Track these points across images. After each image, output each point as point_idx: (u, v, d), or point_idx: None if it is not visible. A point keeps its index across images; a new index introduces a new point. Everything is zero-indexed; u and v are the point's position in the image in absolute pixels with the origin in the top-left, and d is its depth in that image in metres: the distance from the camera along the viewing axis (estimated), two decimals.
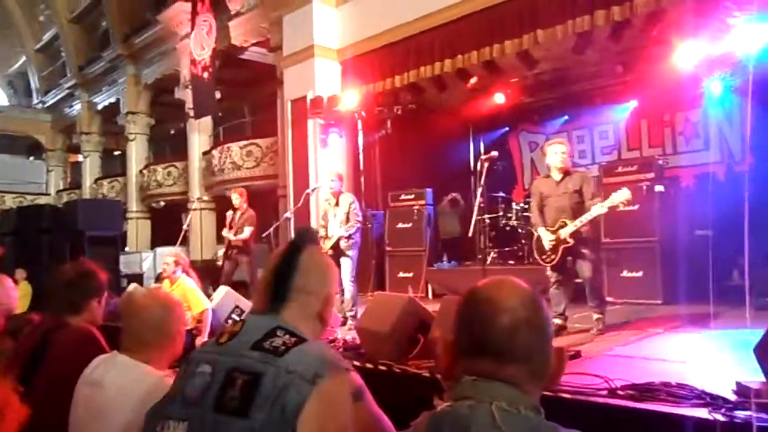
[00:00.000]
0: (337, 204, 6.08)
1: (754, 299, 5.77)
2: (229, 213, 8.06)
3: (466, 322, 1.12)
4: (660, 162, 7.16)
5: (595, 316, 4.80)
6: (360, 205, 6.50)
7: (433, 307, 4.30)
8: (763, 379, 2.73)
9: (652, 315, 5.68)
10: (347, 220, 5.94)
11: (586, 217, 4.64)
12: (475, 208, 5.19)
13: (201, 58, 13.02)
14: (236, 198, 8.00)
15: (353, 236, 5.93)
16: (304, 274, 1.46)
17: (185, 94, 14.14)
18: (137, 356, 1.82)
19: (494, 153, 5.27)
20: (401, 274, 8.87)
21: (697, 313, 5.45)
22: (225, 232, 7.89)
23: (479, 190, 5.14)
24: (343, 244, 5.87)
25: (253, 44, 12.94)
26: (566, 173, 4.90)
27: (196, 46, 13.17)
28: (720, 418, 2.42)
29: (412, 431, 1.07)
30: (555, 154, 4.90)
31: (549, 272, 4.97)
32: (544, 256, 4.96)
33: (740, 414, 2.42)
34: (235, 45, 12.99)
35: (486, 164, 5.03)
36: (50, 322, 2.31)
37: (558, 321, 4.74)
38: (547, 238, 4.85)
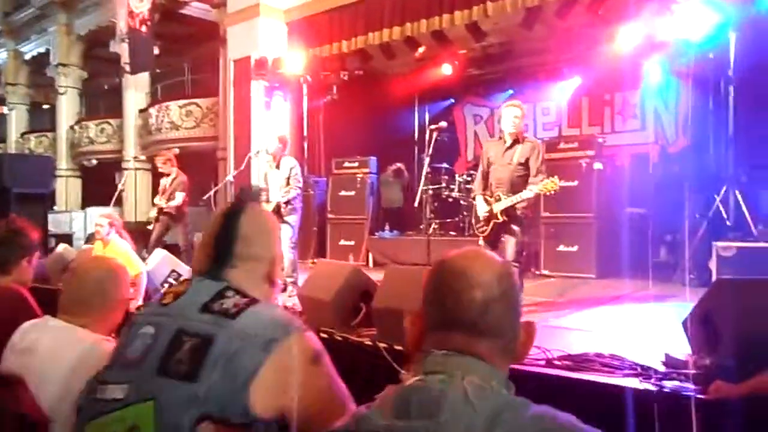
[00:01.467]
0: (278, 167, 5.95)
1: (680, 275, 6.07)
2: (163, 180, 7.75)
3: (437, 295, 1.08)
4: (600, 140, 7.35)
5: None
6: (302, 170, 6.39)
7: (373, 275, 4.30)
8: (690, 351, 2.87)
9: (586, 288, 5.87)
10: (287, 184, 5.83)
11: (517, 197, 4.52)
12: (423, 179, 5.15)
13: (139, 10, 12.41)
14: (162, 165, 7.68)
15: (292, 202, 5.81)
16: (247, 238, 1.40)
17: (121, 48, 13.49)
18: (74, 320, 1.72)
19: (443, 123, 5.24)
20: (342, 242, 8.85)
21: (628, 288, 5.66)
22: (156, 200, 7.63)
23: (426, 161, 5.10)
24: (282, 209, 5.77)
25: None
26: (516, 140, 4.72)
27: None
28: (650, 387, 2.52)
29: (378, 405, 1.02)
30: (508, 117, 4.71)
31: (480, 243, 4.79)
32: (478, 226, 4.84)
33: (669, 384, 2.53)
34: None
35: (434, 135, 5.00)
36: None
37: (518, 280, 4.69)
38: (482, 209, 4.71)
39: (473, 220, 4.98)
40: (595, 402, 2.59)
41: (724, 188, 5.86)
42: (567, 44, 8.74)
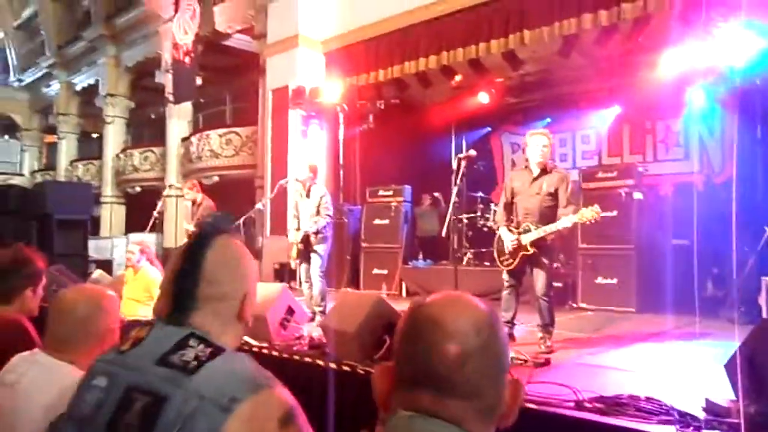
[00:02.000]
0: (308, 195, 5.93)
1: (728, 311, 5.77)
2: (192, 207, 7.79)
3: (407, 346, 0.94)
4: (640, 169, 7.12)
5: (539, 334, 4.37)
6: (337, 199, 6.36)
7: (406, 306, 4.18)
8: (733, 397, 2.66)
9: (625, 323, 5.63)
10: (317, 213, 5.80)
11: (551, 228, 4.31)
12: (450, 207, 5.02)
13: (183, 42, 12.79)
14: (187, 192, 7.72)
15: (322, 231, 5.76)
16: (213, 277, 1.24)
17: (166, 79, 13.87)
18: (60, 356, 1.65)
19: (472, 152, 5.12)
20: (376, 271, 8.76)
21: (670, 324, 5.39)
22: (185, 225, 7.67)
23: (455, 189, 4.98)
24: (312, 239, 5.73)
25: (238, 31, 12.74)
26: (544, 170, 4.55)
27: (178, 30, 12.93)
28: None
29: None
30: (536, 146, 4.52)
31: (505, 276, 4.64)
32: (502, 258, 4.61)
33: None
34: (219, 31, 12.77)
35: (464, 163, 4.89)
36: None
37: (504, 329, 4.46)
38: (508, 240, 4.50)
39: (495, 253, 4.74)
40: None
41: None
42: (606, 72, 8.57)
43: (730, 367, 2.75)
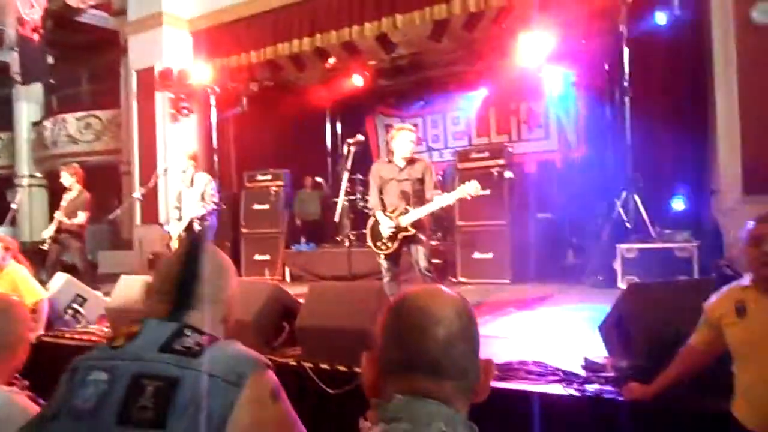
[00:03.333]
0: (191, 184, 5.75)
1: (588, 278, 6.36)
2: (66, 196, 7.25)
3: (397, 335, 1.02)
4: (509, 149, 7.58)
5: None
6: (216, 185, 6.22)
7: (292, 290, 4.21)
8: (607, 354, 2.99)
9: (503, 294, 6.02)
10: (202, 200, 5.64)
11: (431, 206, 4.54)
12: (342, 192, 5.10)
13: (30, 17, 11.68)
14: (67, 177, 7.14)
15: (207, 218, 5.63)
16: (210, 280, 1.34)
17: (11, 57, 12.65)
18: None
19: (360, 137, 5.20)
20: (258, 257, 8.65)
21: (542, 292, 5.86)
22: (57, 215, 7.12)
23: (345, 174, 5.07)
24: (196, 227, 5.57)
25: (92, 6, 11.87)
26: (410, 161, 4.76)
27: (24, 4, 11.78)
28: (574, 393, 2.61)
29: None
30: (404, 141, 4.72)
31: (382, 261, 4.75)
32: (379, 243, 4.71)
33: (590, 388, 2.63)
34: (71, 6, 11.81)
35: (353, 148, 4.98)
36: None
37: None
38: (386, 225, 4.62)
39: (370, 240, 4.84)
40: (523, 410, 2.64)
41: (624, 192, 6.19)
42: (474, 56, 9.00)
43: (602, 328, 3.08)
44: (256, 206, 8.82)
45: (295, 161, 9.65)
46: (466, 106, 10.24)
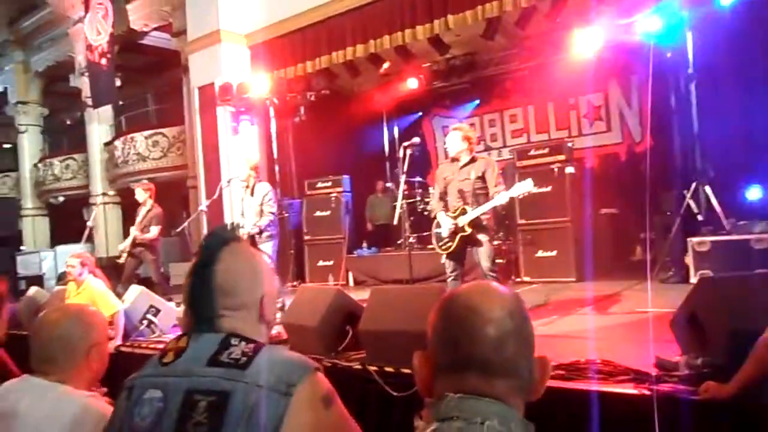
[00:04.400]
0: (252, 194, 5.89)
1: (658, 274, 6.14)
2: (140, 210, 7.59)
3: (447, 334, 1.02)
4: (569, 144, 7.42)
5: None
6: (276, 194, 6.34)
7: (355, 294, 4.25)
8: (680, 353, 2.88)
9: (568, 292, 5.90)
10: (261, 211, 5.78)
11: (487, 206, 4.53)
12: (399, 195, 5.12)
13: (98, 43, 12.25)
14: (141, 193, 7.49)
15: (267, 229, 5.75)
16: (227, 290, 1.30)
17: (82, 82, 13.29)
18: (55, 376, 1.63)
19: (416, 139, 5.21)
20: (321, 263, 8.78)
21: (608, 289, 5.69)
22: (132, 230, 7.45)
23: (402, 177, 5.10)
24: (257, 238, 5.70)
25: (154, 29, 12.33)
26: (472, 159, 4.75)
27: (91, 31, 12.36)
28: (645, 392, 2.52)
29: None
30: (455, 141, 4.74)
31: (445, 261, 4.80)
32: (440, 244, 4.77)
33: (664, 387, 2.53)
34: (134, 30, 12.32)
35: (409, 151, 5.00)
36: None
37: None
38: (446, 225, 4.67)
39: (433, 239, 4.90)
40: (591, 411, 2.57)
41: (694, 184, 5.96)
42: (529, 52, 8.86)
43: (675, 325, 2.97)
44: (318, 213, 8.97)
45: (354, 167, 9.75)
46: (524, 103, 10.09)
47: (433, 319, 1.06)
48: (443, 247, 4.75)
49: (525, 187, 4.46)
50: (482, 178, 4.70)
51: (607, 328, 4.17)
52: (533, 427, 0.98)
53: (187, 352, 1.25)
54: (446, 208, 4.79)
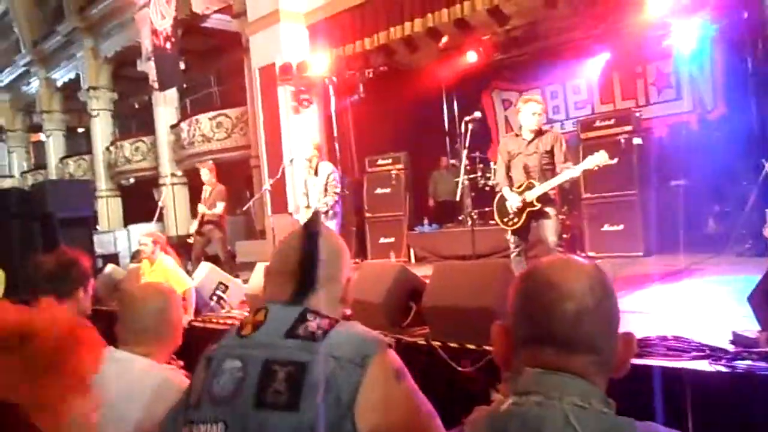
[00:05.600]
0: (315, 173, 5.98)
1: (732, 246, 5.89)
2: (205, 188, 7.88)
3: (526, 308, 1.01)
4: (637, 114, 7.16)
5: None
6: (338, 173, 6.41)
7: (417, 271, 4.26)
8: (759, 328, 2.76)
9: (636, 267, 5.73)
10: (325, 190, 5.86)
11: (556, 180, 4.46)
12: (462, 170, 5.09)
13: (162, 27, 12.59)
14: (205, 173, 7.80)
15: (333, 208, 5.84)
16: (327, 262, 1.38)
17: (148, 66, 13.69)
18: (136, 350, 1.73)
19: (477, 114, 5.17)
20: (382, 240, 8.84)
21: (679, 264, 5.51)
22: (200, 207, 7.74)
23: (464, 152, 5.05)
24: (322, 217, 5.78)
25: (216, 11, 12.55)
26: (539, 133, 4.67)
27: (156, 16, 12.71)
28: (722, 369, 2.43)
29: (471, 431, 0.97)
30: (532, 114, 4.62)
31: (509, 237, 4.76)
32: (506, 219, 4.71)
33: (741, 364, 2.44)
34: (197, 13, 12.56)
35: (470, 126, 4.94)
36: None
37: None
38: (513, 200, 4.61)
39: (497, 215, 4.85)
40: (664, 387, 2.51)
41: None
42: (593, 19, 8.53)
43: (753, 299, 2.85)
44: (379, 190, 9.00)
45: (414, 144, 9.72)
46: (588, 73, 9.75)
47: (513, 293, 1.05)
48: (509, 223, 4.71)
49: (598, 159, 4.36)
50: (550, 152, 4.61)
51: (679, 303, 4.05)
52: (614, 404, 0.96)
53: (265, 325, 1.30)
54: (510, 183, 4.72)
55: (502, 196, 4.76)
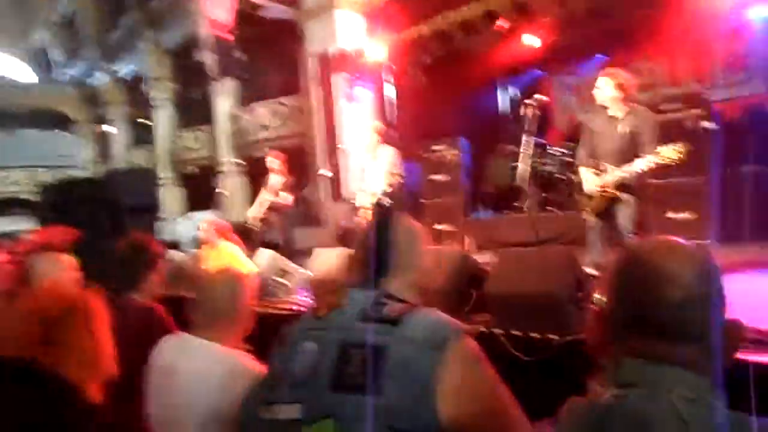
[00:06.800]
0: (375, 158, 5.97)
1: None
2: (271, 177, 7.96)
3: (627, 294, 0.96)
4: (705, 96, 6.84)
5: None
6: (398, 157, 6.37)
7: (474, 257, 4.18)
8: None
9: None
10: (387, 174, 5.85)
11: (632, 170, 4.27)
12: (522, 155, 4.99)
13: (219, 18, 12.78)
14: (273, 162, 7.87)
15: (395, 191, 5.83)
16: (402, 248, 1.38)
17: (207, 56, 13.95)
18: (209, 334, 1.74)
19: (539, 97, 5.03)
20: (438, 226, 8.76)
21: (757, 254, 5.24)
22: (265, 195, 7.84)
23: (524, 137, 4.94)
24: (385, 200, 5.78)
25: (272, 0, 12.64)
26: (628, 113, 4.43)
27: (213, 7, 12.90)
28: None
29: (567, 425, 0.92)
30: (606, 87, 4.40)
31: (587, 217, 4.63)
32: (584, 200, 4.64)
33: None
34: (253, 2, 12.70)
35: (531, 110, 4.82)
36: (112, 301, 2.24)
37: (595, 272, 4.24)
38: (592, 182, 4.49)
39: (576, 195, 4.75)
40: (738, 380, 2.38)
41: None
42: None
43: None
44: (435, 176, 8.92)
45: (472, 129, 9.58)
46: (654, 55, 9.38)
47: (612, 277, 0.99)
48: (585, 204, 4.57)
49: (672, 153, 4.13)
50: (636, 133, 4.37)
51: (757, 293, 3.84)
52: (724, 396, 0.89)
53: (341, 308, 1.30)
54: (591, 164, 4.57)
55: (580, 176, 4.65)
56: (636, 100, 4.61)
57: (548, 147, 8.83)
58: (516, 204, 8.50)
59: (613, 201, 4.46)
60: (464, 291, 3.76)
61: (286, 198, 7.61)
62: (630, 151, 4.38)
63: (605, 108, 4.54)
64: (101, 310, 1.46)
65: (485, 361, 1.25)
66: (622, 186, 4.39)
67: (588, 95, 5.25)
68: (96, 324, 1.44)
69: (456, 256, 3.85)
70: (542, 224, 5.76)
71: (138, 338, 1.88)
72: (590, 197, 4.56)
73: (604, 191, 4.44)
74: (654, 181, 6.63)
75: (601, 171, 4.46)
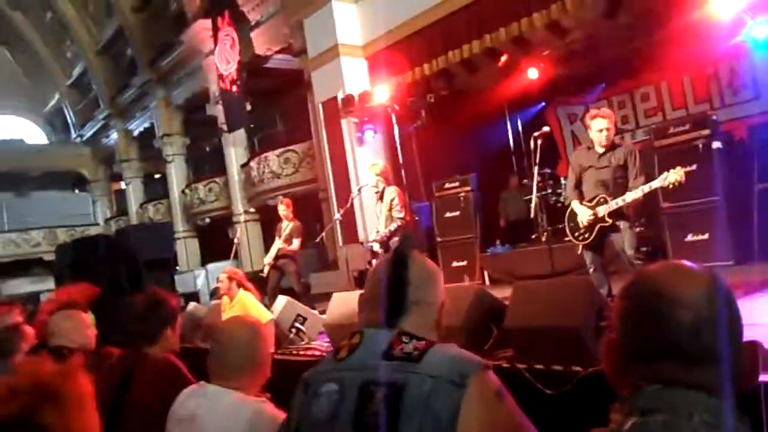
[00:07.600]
0: (380, 199, 6.02)
1: None
2: (282, 224, 8.04)
3: (637, 319, 0.95)
4: (713, 117, 6.84)
5: None
6: (404, 197, 6.40)
7: (493, 292, 4.17)
8: None
9: (729, 277, 5.42)
10: (390, 216, 5.88)
11: (630, 196, 4.32)
12: (534, 188, 5.01)
13: (227, 72, 13.12)
14: (283, 209, 7.97)
15: (395, 233, 5.84)
16: (418, 285, 1.38)
17: (217, 110, 14.27)
18: (228, 384, 1.75)
19: (546, 128, 5.09)
20: (455, 264, 8.74)
21: None
22: (277, 243, 7.89)
23: (535, 169, 4.97)
24: (390, 242, 5.80)
25: (277, 51, 12.96)
26: (611, 146, 4.56)
27: (221, 61, 13.27)
28: None
29: None
30: (599, 131, 4.50)
31: (582, 252, 4.67)
32: (576, 234, 4.65)
33: None
34: (259, 55, 13.03)
35: (539, 141, 4.87)
36: (130, 357, 2.28)
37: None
38: (584, 214, 4.52)
39: (568, 230, 4.77)
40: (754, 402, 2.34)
41: None
42: (656, 24, 8.27)
43: None
44: (448, 214, 8.95)
45: (480, 165, 9.64)
46: (655, 80, 9.45)
47: (620, 304, 0.99)
48: (580, 238, 4.60)
49: (672, 176, 4.19)
50: (623, 166, 4.49)
51: None
52: (748, 419, 0.88)
53: (360, 348, 1.31)
54: (581, 197, 4.62)
55: (572, 210, 4.67)
56: (617, 133, 4.73)
57: (558, 177, 8.85)
58: (532, 236, 8.48)
59: (609, 230, 4.48)
60: (483, 326, 3.74)
61: (296, 244, 7.65)
62: (622, 183, 4.47)
63: (592, 149, 4.65)
64: (79, 390, 1.35)
65: (508, 395, 1.24)
66: (616, 215, 4.42)
67: None
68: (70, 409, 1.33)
69: (473, 292, 3.83)
70: (558, 255, 5.73)
71: (157, 392, 1.89)
72: (582, 231, 4.58)
73: (598, 221, 4.46)
74: (668, 205, 6.63)
75: (595, 203, 4.50)
